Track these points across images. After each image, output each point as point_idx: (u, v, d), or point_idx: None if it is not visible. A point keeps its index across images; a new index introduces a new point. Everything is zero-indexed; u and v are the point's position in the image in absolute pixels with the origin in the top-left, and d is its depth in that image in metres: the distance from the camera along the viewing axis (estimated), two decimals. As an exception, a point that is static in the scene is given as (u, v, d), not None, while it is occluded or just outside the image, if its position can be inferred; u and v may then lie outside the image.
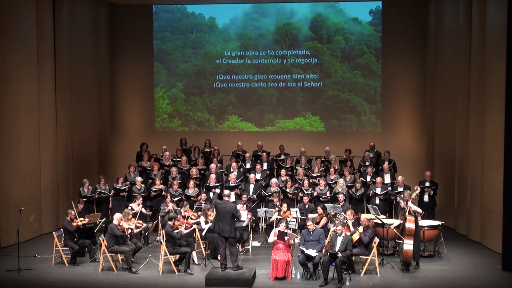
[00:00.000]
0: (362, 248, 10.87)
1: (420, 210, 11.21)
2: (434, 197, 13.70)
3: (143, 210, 12.64)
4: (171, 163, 15.02)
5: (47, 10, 14.19)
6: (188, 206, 12.43)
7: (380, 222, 11.78)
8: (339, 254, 10.22)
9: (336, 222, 11.25)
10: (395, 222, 11.60)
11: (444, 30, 15.36)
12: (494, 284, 10.37)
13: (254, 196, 13.74)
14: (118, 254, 11.34)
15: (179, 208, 12.14)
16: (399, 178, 13.70)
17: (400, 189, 13.35)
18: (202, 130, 17.83)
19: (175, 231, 10.99)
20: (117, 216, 11.33)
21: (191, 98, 17.93)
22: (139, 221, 11.89)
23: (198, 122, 17.97)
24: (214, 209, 11.06)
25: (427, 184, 13.61)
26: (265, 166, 15.04)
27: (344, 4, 17.36)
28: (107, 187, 13.81)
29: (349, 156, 15.43)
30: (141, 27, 17.93)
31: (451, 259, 11.91)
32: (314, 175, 14.36)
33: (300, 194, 13.44)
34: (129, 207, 12.29)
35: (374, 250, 10.75)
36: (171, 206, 12.72)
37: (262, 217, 13.82)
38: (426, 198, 13.60)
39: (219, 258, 11.73)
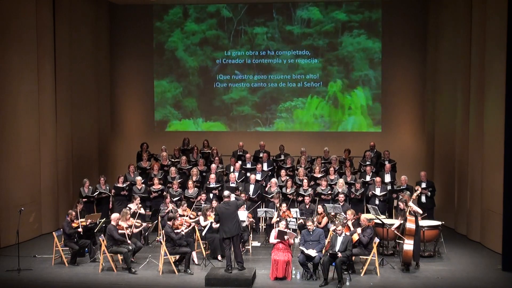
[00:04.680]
0: (362, 248, 10.88)
1: (420, 211, 11.19)
2: (432, 197, 13.70)
3: (141, 211, 12.65)
4: (169, 163, 15.02)
5: (47, 11, 14.19)
6: (186, 205, 12.44)
7: (380, 222, 11.78)
8: (339, 254, 10.22)
9: (336, 222, 11.25)
10: (396, 222, 11.58)
11: (444, 30, 15.36)
12: (494, 284, 10.37)
13: (253, 195, 13.75)
14: (118, 254, 11.34)
15: (175, 208, 12.14)
16: (402, 177, 13.68)
17: (403, 187, 13.34)
18: (202, 130, 17.83)
19: (175, 231, 10.98)
20: (114, 216, 11.32)
21: (191, 98, 17.93)
22: (138, 220, 11.90)
23: (198, 122, 17.96)
24: (218, 215, 10.97)
25: (423, 184, 13.62)
26: (265, 166, 15.03)
27: (344, 5, 17.36)
28: (107, 187, 13.82)
29: (348, 156, 15.43)
30: (141, 27, 17.93)
31: (451, 259, 11.91)
32: (316, 175, 14.33)
33: (300, 199, 13.40)
34: (128, 207, 12.29)
35: (374, 250, 10.75)
36: (171, 206, 12.72)
37: (262, 217, 13.82)
38: (423, 199, 13.60)
39: (219, 258, 11.76)
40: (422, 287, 10.23)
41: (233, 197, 11.50)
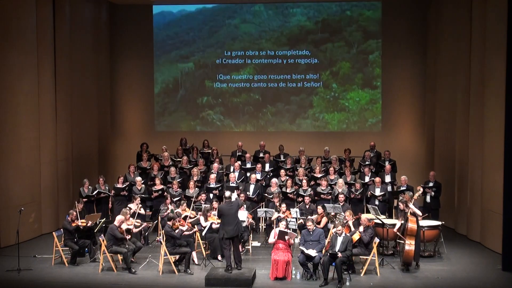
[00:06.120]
0: (362, 248, 10.87)
1: (419, 213, 11.14)
2: (438, 198, 13.68)
3: (141, 211, 12.65)
4: (171, 163, 15.02)
5: (47, 11, 14.20)
6: (185, 204, 12.44)
7: (380, 222, 11.78)
8: (339, 254, 10.22)
9: (336, 222, 11.25)
10: (397, 223, 11.56)
11: (444, 30, 15.36)
12: (494, 284, 10.37)
13: (252, 195, 13.74)
14: (118, 254, 11.34)
15: (178, 210, 12.14)
16: (402, 177, 13.69)
17: (403, 188, 13.35)
18: (202, 130, 17.83)
19: (176, 231, 10.99)
20: (119, 218, 11.32)
21: (191, 98, 17.93)
22: (138, 220, 11.91)
23: (198, 122, 17.96)
24: (220, 215, 10.95)
25: (430, 184, 13.62)
26: (267, 167, 15.01)
27: (343, 5, 17.36)
28: (107, 187, 13.83)
29: (349, 156, 15.43)
30: (141, 27, 17.93)
31: (451, 259, 11.91)
32: (316, 175, 14.32)
33: (299, 199, 13.39)
34: (128, 208, 12.29)
35: (374, 250, 10.75)
36: (171, 207, 12.71)
37: (262, 217, 13.82)
38: (428, 199, 13.60)
39: (219, 258, 11.76)
40: (422, 287, 10.23)
41: (234, 196, 11.55)
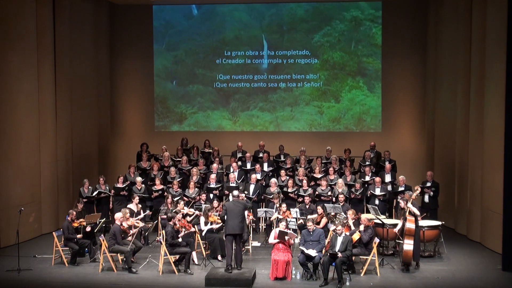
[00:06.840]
0: (362, 248, 10.87)
1: (418, 212, 11.12)
2: (436, 198, 13.68)
3: (141, 213, 12.64)
4: (171, 163, 15.02)
5: (47, 11, 14.20)
6: (182, 203, 12.44)
7: (380, 222, 11.78)
8: (339, 254, 10.22)
9: (336, 222, 11.25)
10: (397, 223, 11.55)
11: (444, 30, 15.37)
12: (494, 284, 10.37)
13: (252, 195, 13.74)
14: (118, 254, 11.34)
15: (178, 208, 12.14)
16: (400, 177, 13.70)
17: (401, 188, 13.35)
18: (202, 130, 17.83)
19: (176, 233, 10.98)
20: (118, 215, 11.33)
21: (191, 98, 17.93)
22: (137, 220, 11.91)
23: (198, 122, 17.96)
24: (225, 211, 10.93)
25: (428, 184, 13.62)
26: (265, 166, 15.01)
27: (344, 5, 17.36)
28: (107, 187, 13.83)
29: (349, 156, 15.43)
30: (141, 27, 17.93)
31: (451, 259, 11.91)
32: (316, 176, 14.32)
33: (299, 199, 13.39)
34: (128, 208, 12.28)
35: (374, 250, 10.75)
36: (171, 207, 12.71)
37: (262, 217, 13.82)
38: (426, 199, 13.60)
39: (219, 258, 11.76)
40: (422, 287, 10.23)
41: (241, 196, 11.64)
